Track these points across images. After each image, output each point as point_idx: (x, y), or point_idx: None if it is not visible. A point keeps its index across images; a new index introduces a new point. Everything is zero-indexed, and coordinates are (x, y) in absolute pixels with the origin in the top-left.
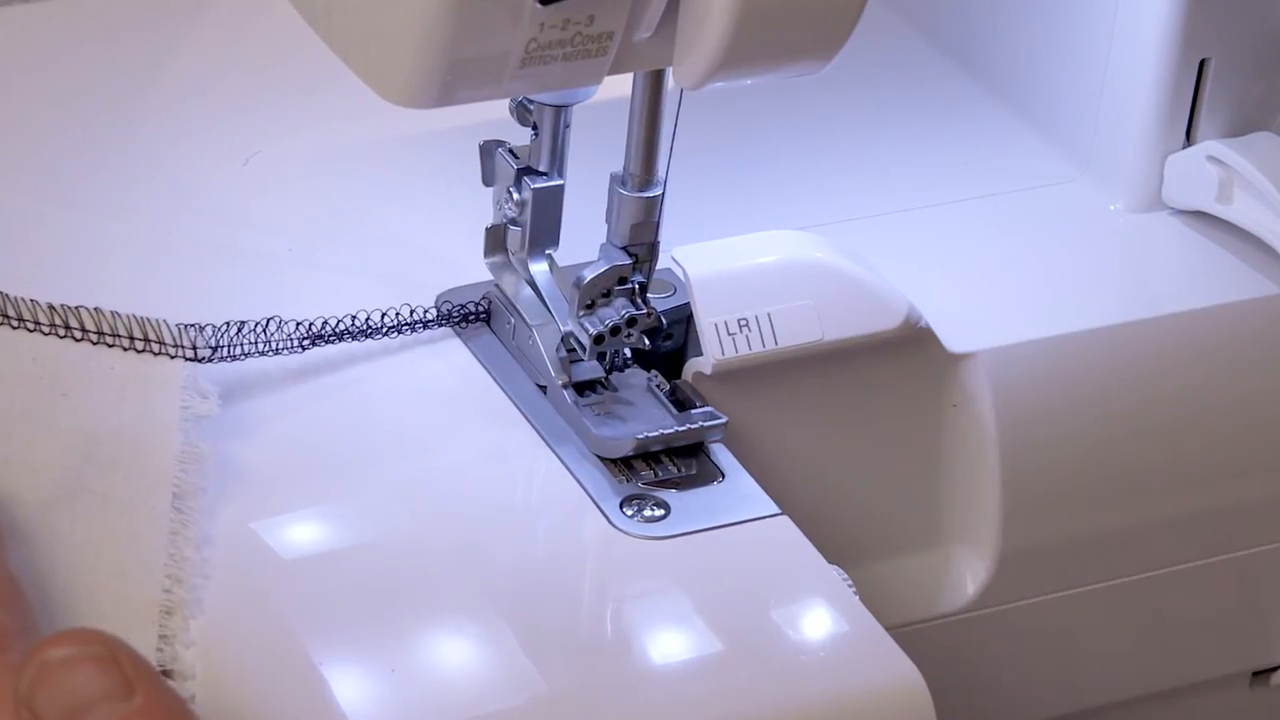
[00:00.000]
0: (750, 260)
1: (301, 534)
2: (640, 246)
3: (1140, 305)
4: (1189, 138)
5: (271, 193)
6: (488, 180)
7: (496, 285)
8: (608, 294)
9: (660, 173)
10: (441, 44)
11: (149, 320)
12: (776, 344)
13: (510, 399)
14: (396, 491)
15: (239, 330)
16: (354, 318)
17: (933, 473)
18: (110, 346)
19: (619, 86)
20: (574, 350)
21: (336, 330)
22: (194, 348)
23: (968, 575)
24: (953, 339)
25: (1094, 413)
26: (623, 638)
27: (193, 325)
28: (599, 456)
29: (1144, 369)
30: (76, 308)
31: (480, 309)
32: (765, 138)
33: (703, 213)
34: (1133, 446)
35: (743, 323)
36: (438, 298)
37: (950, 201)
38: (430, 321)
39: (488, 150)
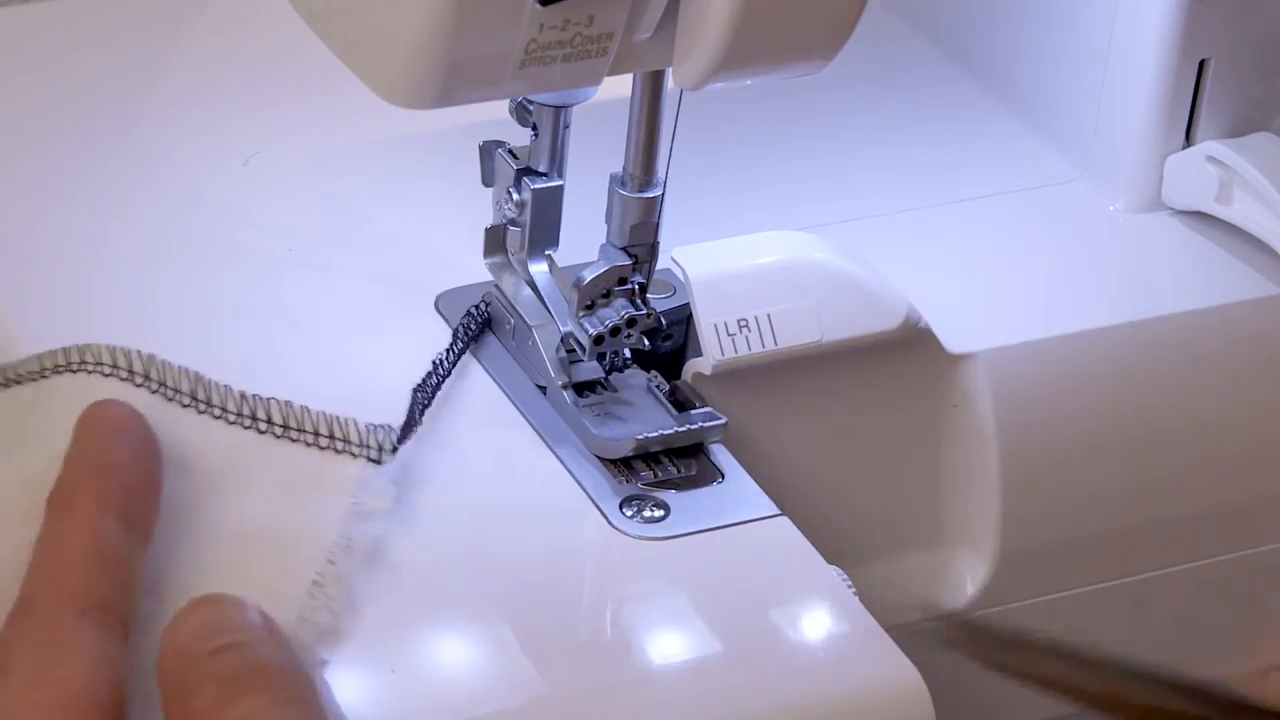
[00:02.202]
0: (750, 261)
1: None
2: (640, 247)
3: (1140, 305)
4: (1189, 138)
5: (271, 193)
6: (487, 181)
7: (496, 286)
8: (607, 294)
9: (660, 173)
10: (441, 44)
11: (337, 419)
12: (776, 344)
13: (510, 399)
14: (396, 491)
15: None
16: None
17: (933, 473)
18: (294, 441)
19: (619, 87)
20: (574, 351)
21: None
22: (379, 448)
23: (968, 575)
24: (952, 339)
25: (1094, 413)
26: (623, 638)
27: (381, 426)
28: (599, 457)
29: (1144, 369)
30: (267, 399)
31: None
32: (765, 138)
33: (702, 213)
34: (1133, 447)
35: (742, 323)
36: (438, 298)
37: (950, 202)
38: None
39: (487, 151)
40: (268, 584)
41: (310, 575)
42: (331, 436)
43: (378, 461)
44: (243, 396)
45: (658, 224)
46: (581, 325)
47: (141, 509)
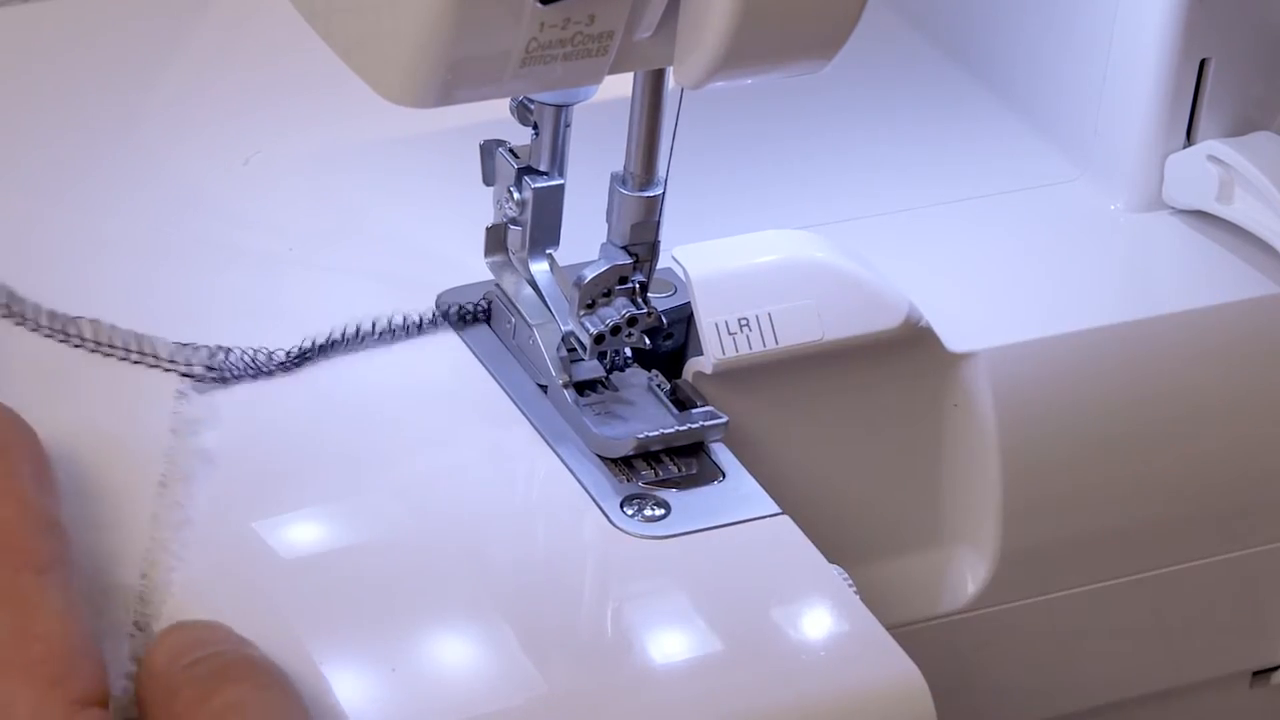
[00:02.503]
0: (751, 260)
1: (302, 533)
2: (641, 246)
3: (1141, 305)
4: (1189, 137)
5: (271, 193)
6: (488, 180)
7: (497, 285)
8: (608, 293)
9: (660, 172)
10: (442, 43)
11: (145, 336)
12: (777, 343)
13: (510, 398)
14: (396, 491)
15: (226, 355)
16: (344, 331)
17: (933, 472)
18: (106, 356)
19: (619, 86)
20: (574, 350)
21: (328, 344)
22: (188, 364)
23: (968, 575)
24: (953, 338)
25: (1094, 412)
26: (623, 637)
27: (187, 344)
28: (599, 456)
29: (1144, 368)
30: (76, 318)
31: (480, 308)
32: (766, 137)
33: (703, 212)
34: (1133, 446)
35: (743, 322)
36: (438, 297)
37: (950, 201)
38: (426, 325)
39: (488, 150)
40: (117, 485)
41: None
42: (141, 352)
43: (193, 377)
44: (52, 314)
45: (658, 223)
46: (582, 324)
47: (44, 471)
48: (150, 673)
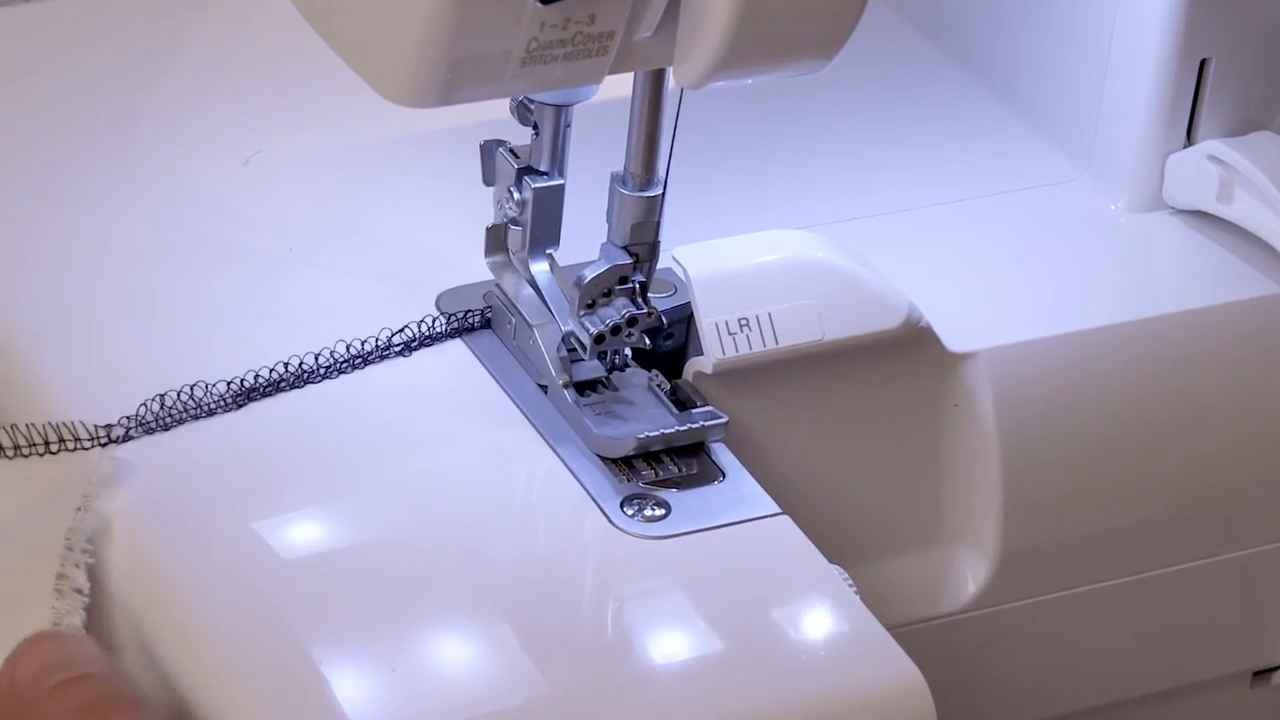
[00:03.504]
0: (751, 260)
1: (301, 534)
2: (641, 246)
3: (1141, 305)
4: (1189, 137)
5: (271, 193)
6: (488, 180)
7: (497, 285)
8: (608, 293)
9: (661, 172)
10: (442, 43)
11: (64, 424)
12: (777, 343)
13: (511, 398)
14: (397, 491)
15: (161, 404)
16: (286, 364)
17: (934, 472)
18: (26, 457)
19: (619, 86)
20: (574, 350)
21: (270, 381)
22: (109, 438)
23: (968, 575)
24: (953, 338)
25: (1095, 412)
26: (623, 637)
27: (106, 426)
28: (600, 456)
29: (1145, 368)
30: None
31: (475, 319)
32: (766, 137)
33: (703, 212)
34: (1133, 446)
35: (743, 322)
36: (438, 297)
37: (951, 201)
38: (399, 349)
39: (488, 150)
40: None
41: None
42: (61, 440)
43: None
44: None
45: (658, 223)
46: (583, 324)
47: None
48: (12, 686)
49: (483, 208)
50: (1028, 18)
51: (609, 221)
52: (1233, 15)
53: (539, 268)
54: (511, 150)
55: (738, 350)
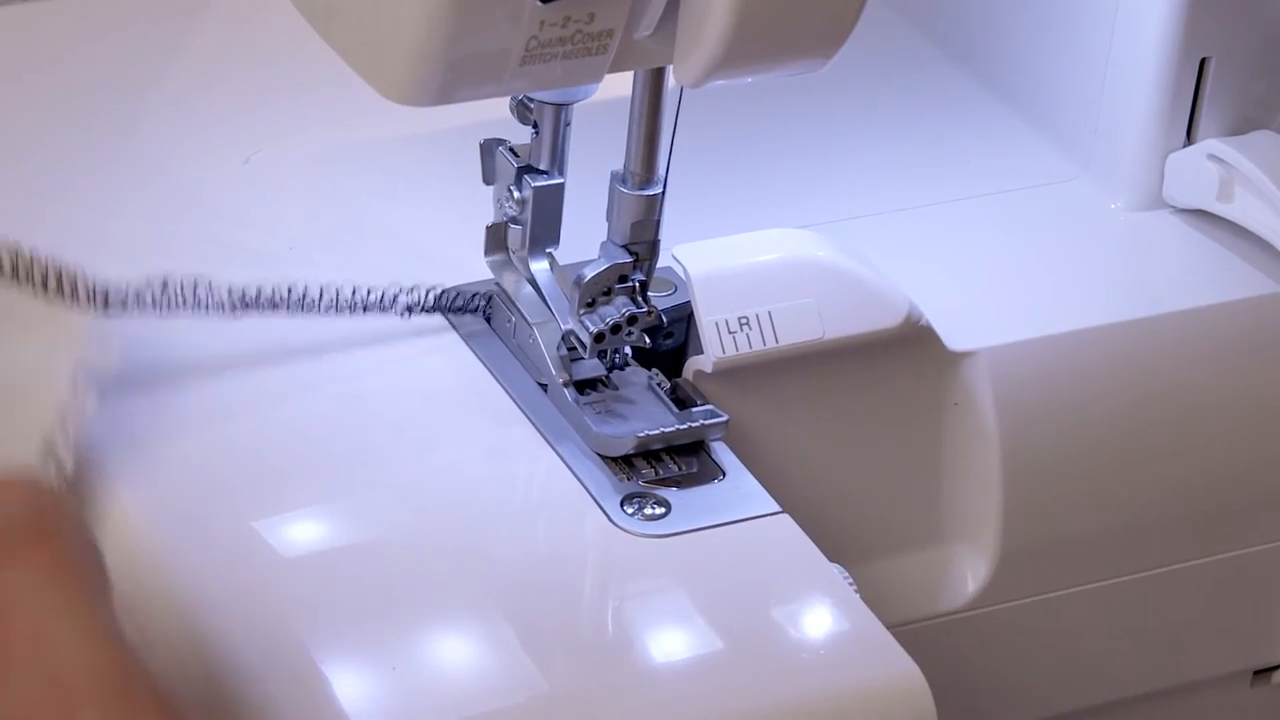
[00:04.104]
0: (751, 258)
1: (302, 533)
2: (641, 244)
3: (1141, 303)
4: (1189, 136)
5: (271, 192)
6: (488, 179)
7: (497, 283)
8: (608, 292)
9: (661, 171)
10: (442, 42)
11: (66, 270)
12: (777, 342)
13: (511, 397)
14: (396, 490)
15: (164, 288)
16: (290, 289)
17: (934, 471)
18: (19, 282)
19: (619, 85)
20: (575, 349)
21: (270, 298)
22: (107, 303)
23: (968, 574)
24: (954, 337)
25: (1095, 411)
26: (624, 636)
27: (105, 291)
28: (600, 455)
29: (1144, 367)
30: None
31: (482, 302)
32: (766, 136)
33: (703, 211)
34: (1133, 445)
35: (743, 321)
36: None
37: (951, 200)
38: (385, 306)
39: (488, 149)
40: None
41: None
42: (60, 282)
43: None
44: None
45: (658, 221)
46: (582, 323)
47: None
48: None
49: (483, 207)
50: (1028, 18)
51: (609, 220)
52: (1233, 15)
53: (539, 266)
54: (511, 149)
55: (738, 349)
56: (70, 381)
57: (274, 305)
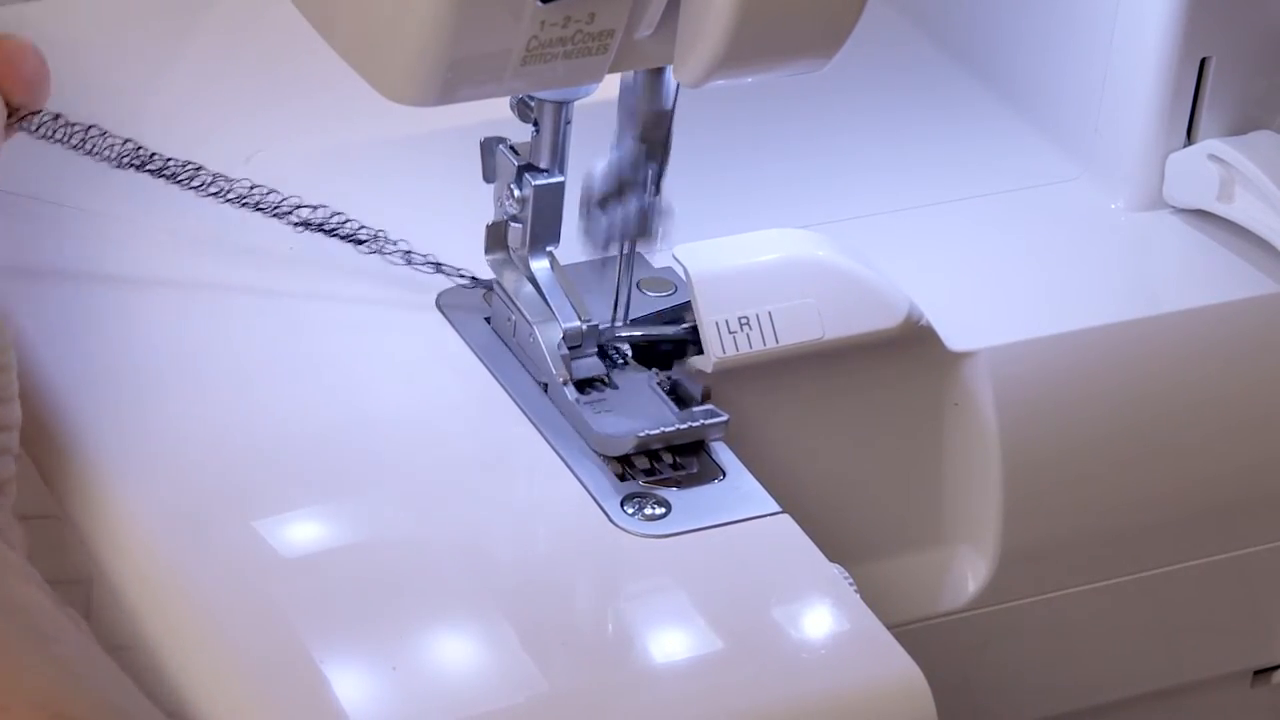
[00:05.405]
0: (751, 258)
1: (302, 533)
2: (657, 133)
3: (1141, 304)
4: (1190, 136)
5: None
6: (488, 177)
7: (497, 282)
8: (620, 190)
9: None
10: (443, 42)
11: None
12: (778, 342)
13: (511, 396)
14: (396, 489)
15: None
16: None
17: (934, 471)
18: None
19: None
20: (575, 347)
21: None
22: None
23: (969, 574)
24: (954, 337)
25: (1095, 411)
26: (624, 636)
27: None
28: (600, 454)
29: (1145, 367)
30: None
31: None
32: (766, 136)
33: (704, 211)
34: (1133, 445)
35: (744, 321)
36: (438, 296)
37: (951, 200)
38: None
39: (488, 147)
40: None
41: None
42: None
43: None
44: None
45: (671, 112)
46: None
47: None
48: None
49: (483, 207)
50: (1028, 17)
51: (619, 118)
52: (1233, 15)
53: (539, 265)
54: (512, 147)
55: (738, 349)
56: None
57: (162, 173)
